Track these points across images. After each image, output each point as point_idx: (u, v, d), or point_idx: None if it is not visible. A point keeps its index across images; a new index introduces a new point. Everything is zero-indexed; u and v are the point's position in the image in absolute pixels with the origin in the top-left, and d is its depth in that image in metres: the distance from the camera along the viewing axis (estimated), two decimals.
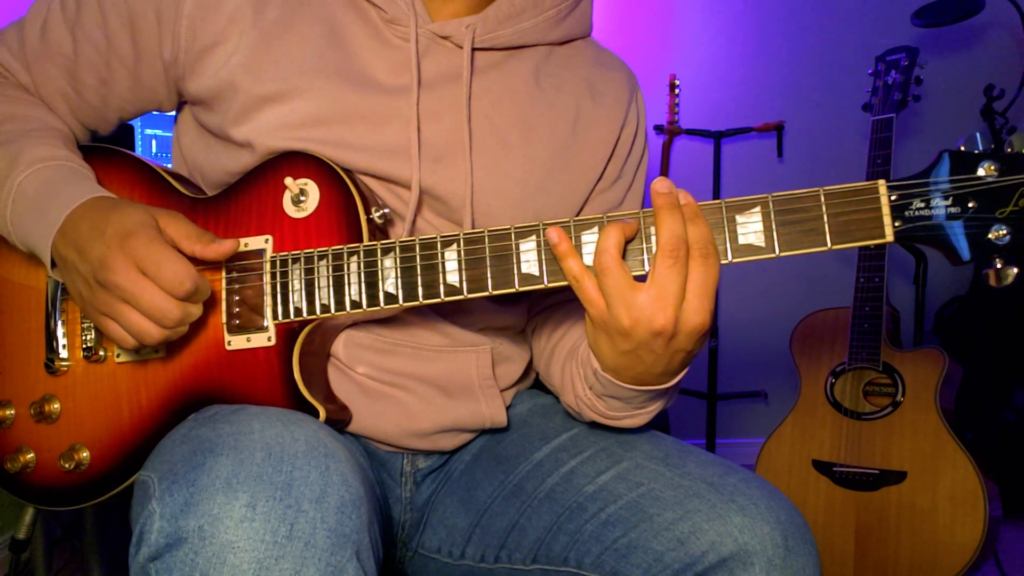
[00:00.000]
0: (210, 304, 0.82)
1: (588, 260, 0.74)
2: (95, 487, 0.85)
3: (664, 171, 2.72)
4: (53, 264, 0.80)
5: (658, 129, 2.72)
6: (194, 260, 0.76)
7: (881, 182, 0.69)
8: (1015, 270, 0.68)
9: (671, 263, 0.69)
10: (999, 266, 0.68)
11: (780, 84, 2.84)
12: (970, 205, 0.68)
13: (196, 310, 0.76)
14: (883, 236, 0.69)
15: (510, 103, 0.93)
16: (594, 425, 0.95)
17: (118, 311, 0.74)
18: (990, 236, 0.67)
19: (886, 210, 0.69)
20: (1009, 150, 0.67)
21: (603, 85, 1.01)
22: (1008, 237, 0.67)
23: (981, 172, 0.67)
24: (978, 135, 0.68)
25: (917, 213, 0.69)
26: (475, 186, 0.90)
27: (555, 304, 1.02)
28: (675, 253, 0.69)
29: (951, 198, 0.68)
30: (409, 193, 0.89)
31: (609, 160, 1.00)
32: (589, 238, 0.74)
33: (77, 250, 0.76)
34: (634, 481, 0.85)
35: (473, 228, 0.90)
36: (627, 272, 0.71)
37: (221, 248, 0.78)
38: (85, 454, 0.84)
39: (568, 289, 0.80)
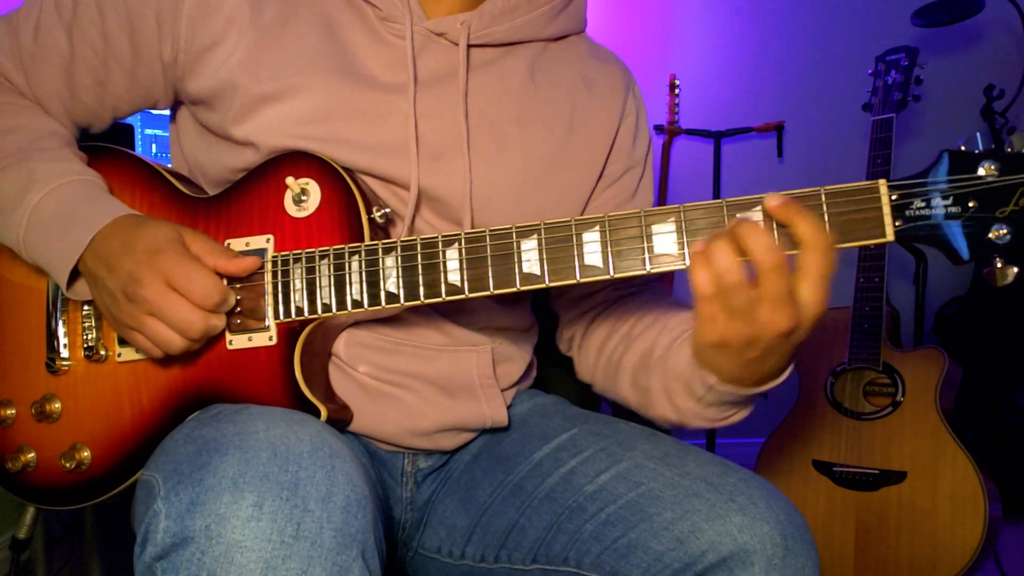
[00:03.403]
0: None
1: (589, 259, 0.75)
2: (96, 486, 0.85)
3: (664, 171, 2.72)
4: (69, 283, 0.81)
5: (658, 129, 2.72)
6: None
7: (882, 182, 0.69)
8: (1015, 269, 0.68)
9: (778, 274, 0.67)
10: (999, 265, 0.68)
11: (780, 84, 2.84)
12: (970, 205, 0.68)
13: (219, 321, 0.79)
14: (884, 236, 0.69)
15: (506, 100, 0.94)
16: (594, 426, 0.95)
17: (143, 323, 0.77)
18: (990, 236, 0.68)
19: (887, 210, 0.69)
20: (1009, 150, 0.67)
21: (598, 77, 1.02)
22: (1008, 236, 0.67)
23: (981, 172, 0.67)
24: (978, 135, 0.68)
25: (918, 213, 0.69)
26: (474, 184, 0.90)
27: (597, 311, 1.03)
28: (775, 265, 0.67)
29: (951, 198, 0.68)
30: (408, 194, 0.89)
31: (610, 153, 1.00)
32: (591, 236, 0.74)
33: (107, 267, 0.78)
34: (634, 481, 0.85)
35: (473, 228, 0.91)
36: (747, 285, 0.68)
37: (243, 263, 0.80)
38: (86, 453, 0.85)
39: (601, 290, 0.86)
